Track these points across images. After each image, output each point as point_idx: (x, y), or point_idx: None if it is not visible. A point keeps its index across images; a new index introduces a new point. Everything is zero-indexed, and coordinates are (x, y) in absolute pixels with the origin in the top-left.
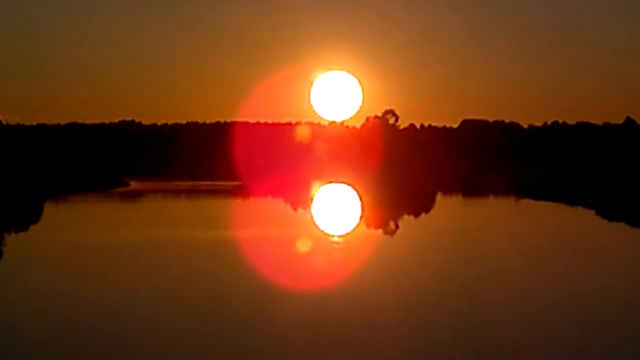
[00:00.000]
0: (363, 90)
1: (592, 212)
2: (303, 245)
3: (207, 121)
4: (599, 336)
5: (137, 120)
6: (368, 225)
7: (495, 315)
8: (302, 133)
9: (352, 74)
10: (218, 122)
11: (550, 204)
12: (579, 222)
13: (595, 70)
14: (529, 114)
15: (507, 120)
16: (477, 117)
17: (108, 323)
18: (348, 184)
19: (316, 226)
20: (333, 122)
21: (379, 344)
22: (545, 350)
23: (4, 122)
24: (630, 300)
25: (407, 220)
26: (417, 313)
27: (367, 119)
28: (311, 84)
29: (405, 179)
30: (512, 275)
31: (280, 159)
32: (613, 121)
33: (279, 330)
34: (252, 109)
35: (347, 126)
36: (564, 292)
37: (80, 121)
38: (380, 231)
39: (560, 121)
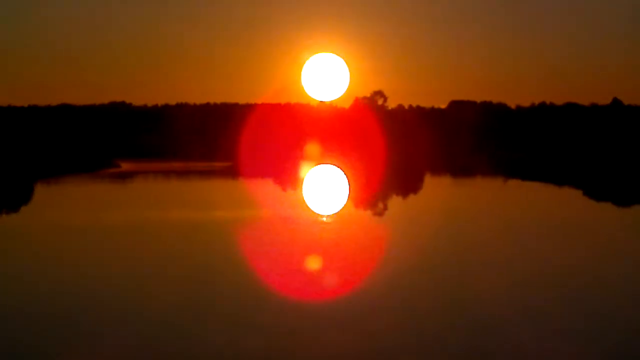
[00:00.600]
0: (351, 71)
1: (580, 192)
2: (292, 225)
3: (197, 102)
4: (589, 316)
5: (127, 101)
6: (356, 206)
7: (485, 295)
8: (291, 114)
9: (340, 56)
10: (208, 103)
11: (538, 184)
12: (566, 202)
13: (583, 51)
14: (517, 95)
15: (494, 101)
16: (465, 98)
17: (98, 304)
18: (337, 165)
19: (305, 206)
20: (322, 103)
21: (365, 323)
22: (538, 332)
23: None
24: (619, 281)
25: (395, 201)
26: (404, 293)
27: (356, 99)
28: (302, 66)
29: (394, 160)
30: (500, 255)
31: (270, 139)
32: (600, 102)
33: (267, 309)
34: (242, 90)
35: (336, 107)
36: (553, 271)
37: (71, 102)
38: (368, 211)
39: (548, 102)
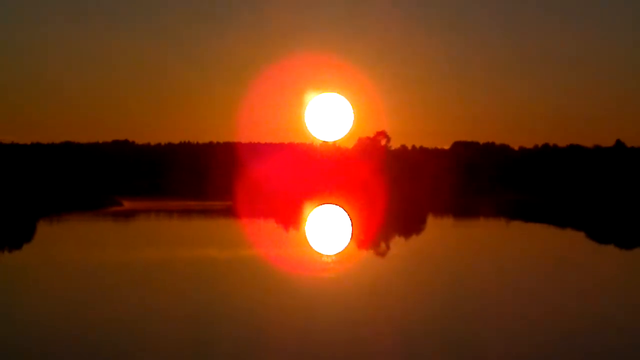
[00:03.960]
0: (355, 111)
1: (582, 234)
2: (294, 264)
3: (200, 141)
4: (590, 356)
5: (130, 140)
6: (359, 246)
7: (486, 339)
8: (295, 154)
9: (344, 96)
10: (211, 143)
11: (540, 225)
12: (568, 244)
13: (586, 93)
14: (520, 136)
15: (497, 142)
16: (468, 139)
17: (100, 342)
18: (339, 205)
19: (308, 246)
20: (325, 143)
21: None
22: None
23: None
24: (621, 322)
25: (398, 241)
26: (407, 334)
27: (359, 139)
28: (305, 105)
29: (397, 200)
30: (502, 298)
31: (273, 179)
32: (603, 144)
33: (271, 350)
34: (245, 130)
35: (339, 147)
36: (553, 313)
37: (74, 140)
38: (371, 252)
39: (551, 144)
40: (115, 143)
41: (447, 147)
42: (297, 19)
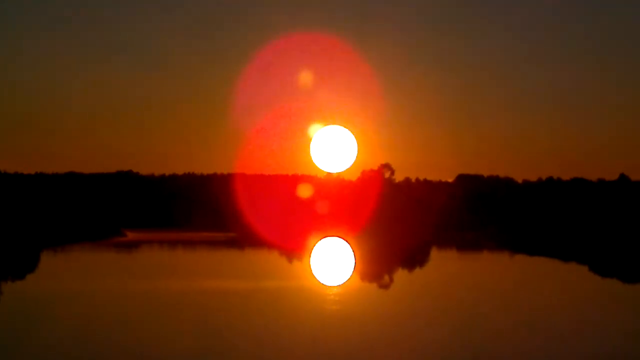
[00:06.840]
0: (359, 144)
1: (585, 268)
2: (298, 297)
3: (205, 172)
4: None
5: (134, 170)
6: (363, 278)
7: None
8: (298, 185)
9: (349, 128)
10: (215, 174)
11: (544, 259)
12: (572, 278)
13: (590, 127)
14: (524, 170)
15: (501, 175)
16: (472, 172)
17: None
18: (343, 237)
19: (312, 277)
20: (329, 175)
21: None
22: None
23: (2, 171)
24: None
25: (401, 274)
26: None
27: (363, 172)
28: (309, 138)
29: (400, 233)
30: (505, 332)
31: (277, 211)
32: (607, 177)
33: None
34: (249, 161)
35: (344, 179)
36: (557, 346)
37: (78, 171)
38: (374, 284)
39: (555, 177)
40: (119, 174)
41: (451, 180)
42: (303, 53)
